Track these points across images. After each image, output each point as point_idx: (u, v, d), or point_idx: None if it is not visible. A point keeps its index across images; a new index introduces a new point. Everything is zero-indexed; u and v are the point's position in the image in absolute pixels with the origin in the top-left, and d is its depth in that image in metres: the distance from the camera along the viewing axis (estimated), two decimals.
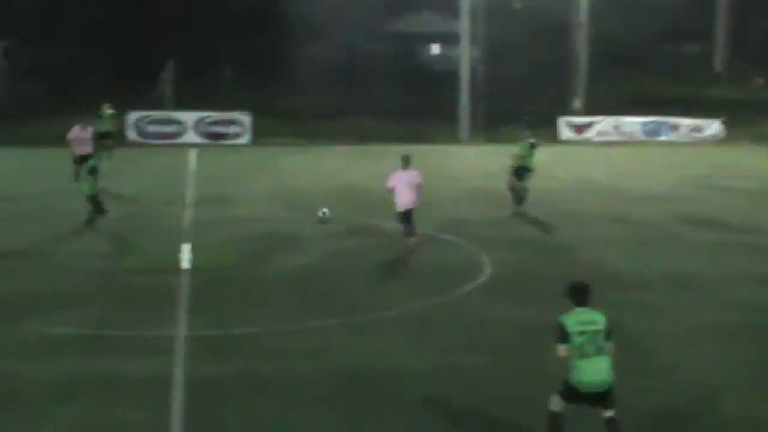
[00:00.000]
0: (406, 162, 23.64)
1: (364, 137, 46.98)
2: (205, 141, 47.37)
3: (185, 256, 23.13)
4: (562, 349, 12.00)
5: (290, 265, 22.66)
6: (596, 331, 12.02)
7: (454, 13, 52.94)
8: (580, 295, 12.30)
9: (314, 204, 28.33)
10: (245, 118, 48.24)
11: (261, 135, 47.29)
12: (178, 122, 48.14)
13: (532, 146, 29.66)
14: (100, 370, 15.54)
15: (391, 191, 23.45)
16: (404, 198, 23.29)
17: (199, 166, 39.67)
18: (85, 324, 17.96)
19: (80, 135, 33.40)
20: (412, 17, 77.07)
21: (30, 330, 17.59)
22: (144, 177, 36.19)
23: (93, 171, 26.36)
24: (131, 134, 47.67)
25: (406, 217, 23.48)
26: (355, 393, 14.80)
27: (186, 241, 24.61)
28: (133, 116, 47.87)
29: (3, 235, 25.38)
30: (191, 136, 47.65)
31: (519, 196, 29.33)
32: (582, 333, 11.96)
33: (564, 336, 11.99)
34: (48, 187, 31.69)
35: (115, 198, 28.51)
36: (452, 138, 48.34)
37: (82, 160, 32.38)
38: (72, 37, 62.89)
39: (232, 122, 48.36)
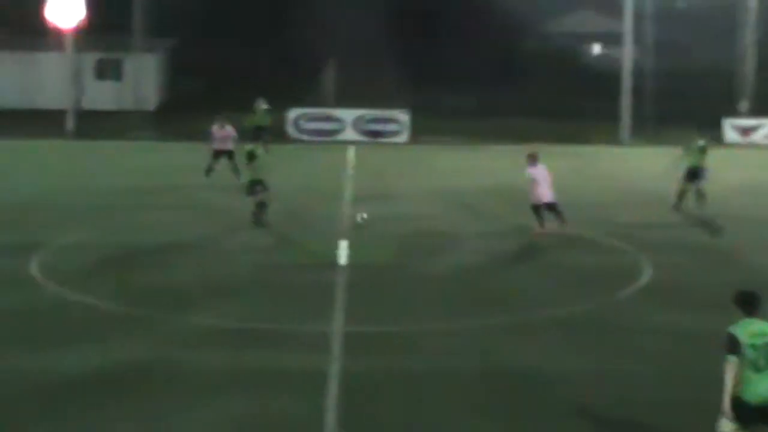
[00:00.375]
0: (533, 159, 25.24)
1: (523, 137, 46.55)
2: (363, 138, 47.66)
3: (343, 252, 23.25)
4: (733, 362, 11.17)
5: (448, 264, 22.57)
6: None
7: (616, 12, 52.10)
8: (750, 304, 11.46)
9: (472, 203, 28.17)
10: (404, 116, 48.35)
11: (419, 133, 47.30)
12: (337, 119, 48.57)
13: (702, 149, 28.98)
14: (258, 363, 15.72)
15: (534, 181, 24.98)
16: (547, 191, 25.07)
17: (357, 164, 39.89)
18: (246, 317, 18.20)
19: (218, 134, 34.02)
20: (573, 17, 76.23)
21: (192, 321, 17.92)
22: (302, 174, 36.56)
23: (252, 157, 26.63)
24: (290, 131, 48.29)
25: (551, 208, 25.21)
26: (511, 395, 14.61)
27: (343, 237, 24.73)
28: (292, 113, 48.49)
29: (165, 228, 25.92)
30: (350, 134, 47.99)
31: (699, 199, 28.69)
32: (754, 346, 11.16)
33: (736, 347, 11.16)
34: (206, 181, 32.22)
35: (274, 194, 28.83)
36: (613, 139, 47.48)
37: (219, 155, 33.13)
38: (234, 35, 64.19)
39: (390, 120, 48.52)
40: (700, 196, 28.74)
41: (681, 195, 28.88)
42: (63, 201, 30.20)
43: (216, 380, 14.92)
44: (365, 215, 25.52)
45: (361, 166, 39.02)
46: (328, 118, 48.73)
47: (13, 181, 33.60)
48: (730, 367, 11.17)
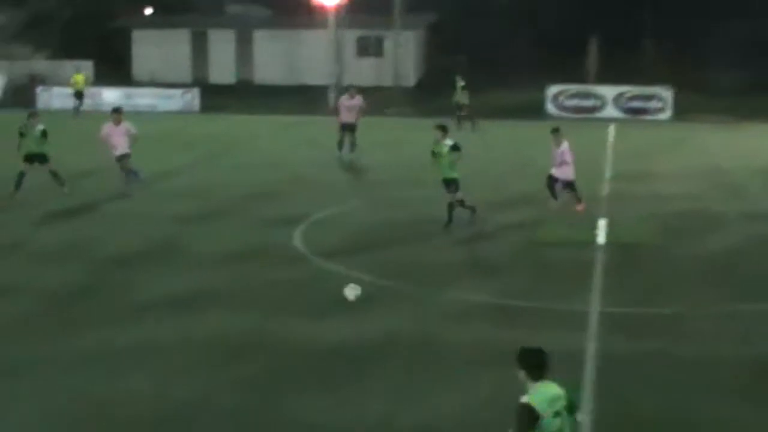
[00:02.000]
0: (558, 135, 24.85)
1: None
2: (624, 116, 46.69)
3: (602, 231, 22.78)
4: None
5: (711, 246, 21.75)
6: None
7: None
8: (541, 366, 9.13)
9: (738, 184, 27.05)
10: (666, 93, 47.08)
11: (683, 111, 45.89)
12: (597, 96, 47.79)
13: None
14: (514, 339, 15.53)
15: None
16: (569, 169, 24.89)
17: (617, 141, 39.09)
18: (503, 293, 18.08)
19: (345, 103, 33.85)
20: None
21: (451, 296, 17.94)
22: None
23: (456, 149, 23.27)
24: (550, 108, 47.88)
25: (570, 186, 25.00)
26: None
27: (603, 216, 24.25)
28: (552, 90, 48.05)
29: (425, 204, 26.05)
30: (610, 111, 47.14)
31: None
32: (557, 413, 8.85)
33: (534, 422, 8.73)
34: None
35: (532, 170, 28.53)
36: None
37: (345, 128, 32.95)
38: (495, 11, 63.97)
39: (652, 97, 47.37)
40: None
41: None
42: (325, 175, 30.91)
43: (473, 355, 14.87)
44: (358, 293, 16.85)
45: (622, 144, 38.22)
46: (589, 95, 48.03)
47: (277, 156, 34.66)
48: None
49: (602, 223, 23.42)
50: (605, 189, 28.43)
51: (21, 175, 26.43)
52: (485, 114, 44.12)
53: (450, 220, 23.11)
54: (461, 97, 42.37)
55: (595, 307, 17.27)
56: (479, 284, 18.72)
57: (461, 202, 23.23)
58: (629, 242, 22.10)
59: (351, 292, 13.48)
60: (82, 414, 12.67)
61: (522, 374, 8.89)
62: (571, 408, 8.96)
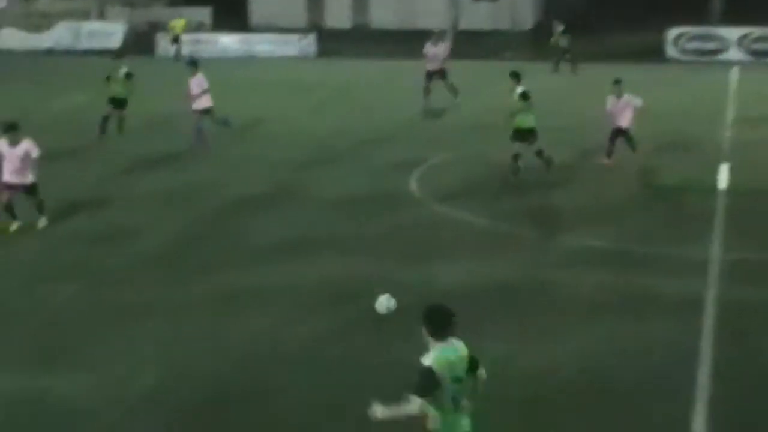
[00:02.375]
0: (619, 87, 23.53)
1: None
2: (748, 58, 45.49)
3: (723, 176, 22.31)
4: (422, 403, 8.31)
5: None
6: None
7: None
8: (445, 326, 8.49)
9: None
10: None
11: None
12: (720, 38, 46.61)
13: None
14: (633, 286, 15.39)
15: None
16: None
17: (741, 85, 38.12)
18: (622, 239, 17.85)
19: (429, 51, 33.25)
20: None
21: (567, 242, 17.79)
22: (682, 94, 35.34)
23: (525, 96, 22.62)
24: (670, 51, 46.86)
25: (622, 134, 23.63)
26: None
27: (725, 161, 23.73)
28: (672, 32, 47.00)
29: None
30: (734, 53, 45.95)
31: None
32: (457, 378, 8.43)
33: (432, 386, 8.28)
34: (581, 102, 31.78)
35: (653, 115, 28.00)
36: None
37: (430, 75, 32.38)
38: None
39: None
40: None
41: None
42: (440, 120, 30.83)
43: (591, 300, 14.76)
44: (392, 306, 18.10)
45: (745, 87, 37.25)
46: (711, 38, 46.85)
47: (391, 101, 34.68)
48: (417, 408, 8.28)
49: (724, 168, 22.92)
50: (727, 133, 27.78)
51: (105, 119, 26.91)
52: (602, 57, 43.44)
53: (515, 171, 22.44)
54: (561, 40, 41.97)
55: (716, 253, 16.96)
56: (597, 230, 18.50)
57: (539, 153, 22.64)
58: (752, 188, 21.59)
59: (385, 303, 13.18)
60: (198, 352, 12.93)
61: (426, 333, 8.38)
62: (473, 366, 8.59)
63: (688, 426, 10.89)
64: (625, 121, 23.46)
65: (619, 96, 23.49)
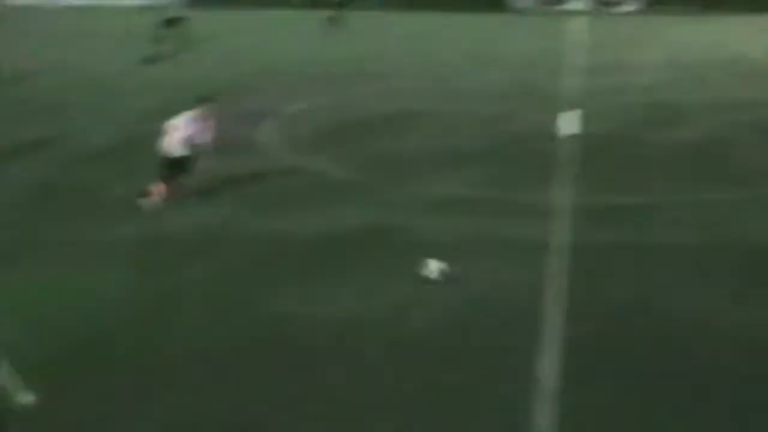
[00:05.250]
0: None
1: (761, 6, 44.29)
2: (595, 8, 46.41)
3: (573, 122, 22.75)
4: None
5: (679, 136, 21.80)
6: None
7: None
8: None
9: (704, 75, 27.14)
10: None
11: (654, 2, 45.70)
12: None
13: None
14: (482, 230, 15.59)
15: None
16: None
17: (588, 34, 38.89)
18: (473, 185, 18.05)
19: None
20: None
21: (417, 189, 17.89)
22: (530, 44, 35.88)
23: None
24: (517, 0, 47.47)
25: None
26: (745, 267, 14.00)
27: (574, 107, 24.21)
28: None
29: (396, 97, 25.93)
30: (581, 3, 46.81)
31: None
32: None
33: None
34: (451, 51, 32.05)
35: (502, 64, 28.45)
36: None
37: None
38: None
39: None
40: None
41: None
42: (295, 70, 30.65)
43: (439, 247, 14.85)
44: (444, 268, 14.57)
45: (593, 36, 38.03)
46: None
47: (248, 51, 34.36)
48: None
49: (574, 114, 23.37)
50: (577, 81, 28.34)
51: None
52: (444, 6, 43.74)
53: None
54: None
55: (567, 197, 17.30)
56: (452, 177, 18.66)
57: None
58: (600, 133, 22.07)
59: (434, 268, 13.03)
60: (56, 308, 12.68)
61: None
62: None
63: (534, 368, 10.99)
64: None
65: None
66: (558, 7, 46.59)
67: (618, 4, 46.56)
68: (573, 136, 21.65)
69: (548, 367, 10.92)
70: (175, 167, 16.80)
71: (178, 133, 16.78)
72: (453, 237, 15.29)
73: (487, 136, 22.07)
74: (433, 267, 13.38)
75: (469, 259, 14.28)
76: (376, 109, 24.55)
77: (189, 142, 16.83)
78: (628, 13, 45.61)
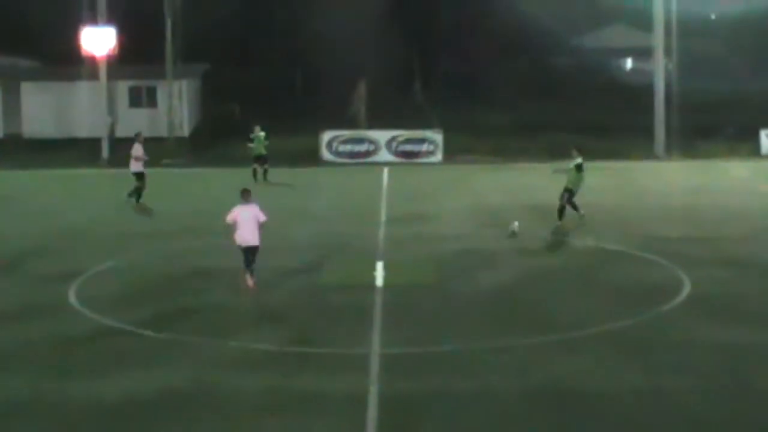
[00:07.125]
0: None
1: (557, 153, 46.37)
2: (397, 159, 47.67)
3: (379, 273, 23.14)
4: None
5: (486, 283, 22.40)
6: None
7: (646, 26, 51.89)
8: None
9: (507, 221, 28.08)
10: (437, 135, 48.38)
11: (453, 152, 47.31)
12: (370, 141, 48.60)
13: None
14: (298, 385, 15.60)
15: None
16: None
17: (392, 184, 39.85)
18: (284, 341, 18.08)
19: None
20: (604, 32, 75.98)
21: (231, 345, 17.82)
22: (338, 196, 36.55)
23: None
24: (325, 154, 48.39)
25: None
26: (558, 413, 14.39)
27: (381, 258, 24.64)
28: (326, 136, 48.59)
29: (197, 254, 25.94)
30: (384, 155, 48.04)
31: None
32: None
33: None
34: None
35: (310, 216, 28.85)
36: (648, 153, 47.27)
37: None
38: (265, 60, 64.46)
39: (424, 140, 48.53)
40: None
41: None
42: (99, 229, 30.29)
43: (257, 403, 14.81)
44: (517, 224, 27.72)
45: (396, 186, 38.98)
46: (362, 140, 48.81)
47: (51, 210, 33.83)
48: None
49: (380, 266, 23.78)
50: (381, 232, 28.90)
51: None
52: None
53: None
54: (262, 148, 40.80)
55: (376, 349, 17.51)
56: (262, 332, 18.69)
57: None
58: (405, 283, 22.48)
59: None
60: None
61: None
62: None
63: None
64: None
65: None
66: (365, 159, 47.68)
67: (419, 154, 47.97)
68: (379, 287, 21.99)
69: None
70: None
71: None
72: (266, 395, 15.24)
73: (299, 288, 22.21)
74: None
75: (284, 418, 14.26)
76: (184, 266, 24.44)
77: None
78: (430, 163, 47.03)
